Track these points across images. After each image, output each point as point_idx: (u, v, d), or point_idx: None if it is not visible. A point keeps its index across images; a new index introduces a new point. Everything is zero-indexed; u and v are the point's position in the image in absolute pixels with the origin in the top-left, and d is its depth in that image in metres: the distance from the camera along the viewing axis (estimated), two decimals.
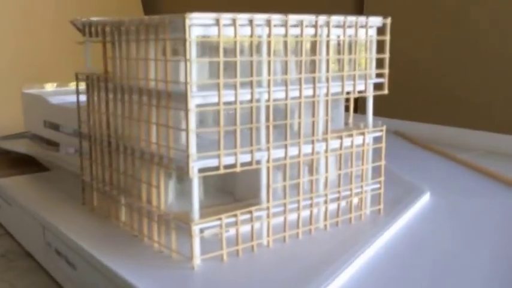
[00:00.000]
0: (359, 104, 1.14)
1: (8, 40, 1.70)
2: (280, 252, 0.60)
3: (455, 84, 1.29)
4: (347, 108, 0.75)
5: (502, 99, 1.21)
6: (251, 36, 0.56)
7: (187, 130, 0.53)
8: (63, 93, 1.06)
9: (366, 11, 1.39)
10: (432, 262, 0.59)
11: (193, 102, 0.53)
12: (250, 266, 0.56)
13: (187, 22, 0.51)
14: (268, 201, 0.61)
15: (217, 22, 0.53)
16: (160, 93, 0.56)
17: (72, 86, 1.19)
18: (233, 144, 0.56)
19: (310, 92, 0.63)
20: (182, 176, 0.63)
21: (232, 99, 0.56)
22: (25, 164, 1.01)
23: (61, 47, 1.76)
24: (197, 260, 0.55)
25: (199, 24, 0.52)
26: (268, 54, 0.57)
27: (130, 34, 0.59)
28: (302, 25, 0.60)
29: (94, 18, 0.67)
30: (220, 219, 0.56)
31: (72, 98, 1.04)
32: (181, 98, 0.53)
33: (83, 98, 1.05)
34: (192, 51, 0.52)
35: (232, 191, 0.68)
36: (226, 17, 0.54)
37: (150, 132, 0.58)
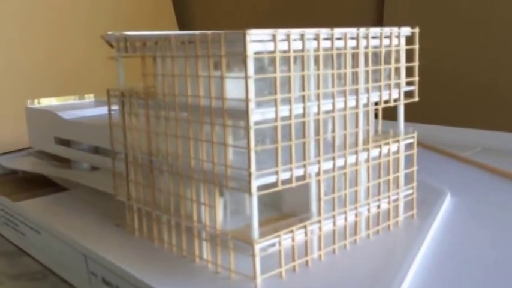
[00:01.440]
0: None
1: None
2: (335, 265, 0.60)
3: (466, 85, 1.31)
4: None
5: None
6: (302, 50, 0.56)
7: (248, 148, 0.52)
8: (69, 108, 1.04)
9: (386, 21, 1.40)
10: (487, 260, 0.61)
11: (253, 119, 0.52)
12: (311, 282, 0.56)
13: (248, 38, 0.50)
14: (319, 214, 0.60)
15: (273, 38, 0.53)
16: (213, 111, 0.55)
17: (76, 100, 1.17)
18: (277, 160, 0.55)
19: (351, 104, 0.63)
20: (232, 193, 0.62)
21: (284, 114, 0.55)
22: (37, 184, 0.97)
23: (90, 62, 1.69)
24: (259, 280, 0.55)
25: (257, 40, 0.51)
26: (318, 67, 0.57)
27: (179, 50, 0.58)
28: (346, 38, 0.60)
29: (130, 33, 0.65)
30: (279, 236, 0.56)
31: (83, 113, 1.02)
32: (238, 114, 0.53)
33: (90, 112, 1.04)
34: (251, 67, 0.51)
35: (273, 204, 0.67)
36: (281, 33, 0.53)
37: (202, 150, 0.57)
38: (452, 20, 1.31)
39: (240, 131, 0.59)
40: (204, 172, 0.57)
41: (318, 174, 0.59)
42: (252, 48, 0.51)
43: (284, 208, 0.66)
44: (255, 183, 0.53)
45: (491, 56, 1.25)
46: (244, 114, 0.52)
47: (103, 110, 1.07)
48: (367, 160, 0.66)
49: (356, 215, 0.65)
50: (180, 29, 1.92)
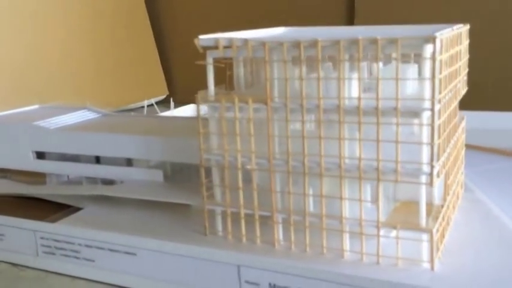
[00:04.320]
0: None
1: None
2: (466, 241, 0.67)
3: None
4: None
5: None
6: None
7: (431, 144, 0.56)
8: (45, 116, 0.96)
9: (357, 21, 1.46)
10: None
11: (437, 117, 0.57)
12: (468, 260, 0.62)
13: (438, 43, 0.54)
14: (445, 199, 0.67)
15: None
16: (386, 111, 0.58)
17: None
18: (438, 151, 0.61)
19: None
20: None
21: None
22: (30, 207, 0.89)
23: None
24: (436, 263, 0.59)
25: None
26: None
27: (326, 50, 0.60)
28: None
29: (249, 36, 0.64)
30: (441, 220, 0.62)
31: (63, 120, 0.96)
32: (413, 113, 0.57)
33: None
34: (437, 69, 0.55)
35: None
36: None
37: (386, 150, 0.59)
38: (422, 20, 1.43)
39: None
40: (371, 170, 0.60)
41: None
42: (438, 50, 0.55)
43: (397, 195, 0.71)
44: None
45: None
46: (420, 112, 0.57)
47: (74, 118, 1.00)
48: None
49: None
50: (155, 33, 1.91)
